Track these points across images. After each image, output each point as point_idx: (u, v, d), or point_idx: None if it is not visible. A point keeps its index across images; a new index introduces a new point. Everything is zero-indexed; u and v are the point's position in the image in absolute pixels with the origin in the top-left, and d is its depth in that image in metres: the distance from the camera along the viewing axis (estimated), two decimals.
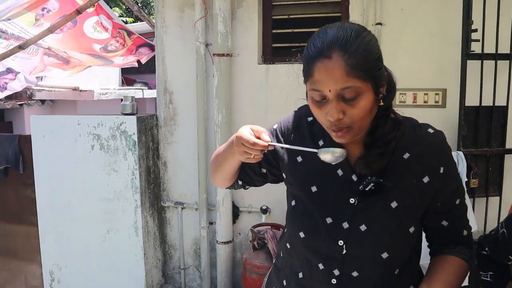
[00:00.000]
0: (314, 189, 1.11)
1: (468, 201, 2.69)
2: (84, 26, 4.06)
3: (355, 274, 1.09)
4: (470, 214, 2.68)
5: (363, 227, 1.05)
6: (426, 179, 1.05)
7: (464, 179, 2.64)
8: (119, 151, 3.20)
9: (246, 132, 1.05)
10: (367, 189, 1.04)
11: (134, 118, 3.16)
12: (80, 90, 4.53)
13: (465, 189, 2.66)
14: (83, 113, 4.46)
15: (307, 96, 1.03)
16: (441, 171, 1.05)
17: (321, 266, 1.12)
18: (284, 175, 1.21)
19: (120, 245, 3.32)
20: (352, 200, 1.07)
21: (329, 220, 1.08)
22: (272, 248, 2.82)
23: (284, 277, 1.25)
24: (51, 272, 3.51)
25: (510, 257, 1.10)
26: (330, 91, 0.93)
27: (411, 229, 1.07)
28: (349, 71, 0.91)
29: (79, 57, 4.11)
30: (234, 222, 3.33)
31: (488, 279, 1.23)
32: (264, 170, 1.26)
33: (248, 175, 1.29)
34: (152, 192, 3.41)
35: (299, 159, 1.16)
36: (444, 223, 1.11)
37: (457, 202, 1.11)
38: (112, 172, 3.24)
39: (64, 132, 3.28)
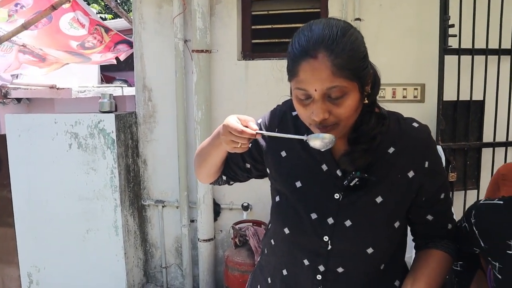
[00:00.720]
0: (298, 184, 1.10)
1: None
2: (59, 22, 3.97)
3: (340, 270, 1.08)
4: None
5: (348, 223, 1.04)
6: (411, 174, 1.05)
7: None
8: (98, 150, 3.15)
9: (233, 120, 1.02)
10: (351, 184, 1.03)
11: (112, 116, 3.11)
12: (57, 88, 4.42)
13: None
14: (61, 111, 4.37)
15: (291, 93, 1.02)
16: (426, 165, 1.05)
17: (306, 262, 1.11)
18: (268, 170, 1.20)
19: (100, 245, 3.27)
20: (336, 196, 1.06)
21: (313, 215, 1.07)
22: (254, 245, 2.81)
23: (269, 274, 1.24)
24: (29, 274, 3.44)
25: (475, 248, 1.12)
26: (315, 90, 0.92)
27: (396, 224, 1.07)
28: (335, 71, 0.90)
29: (55, 54, 4.02)
30: (215, 219, 3.30)
31: (459, 268, 1.25)
32: (248, 165, 1.23)
33: (232, 170, 1.27)
34: (132, 190, 3.37)
35: (283, 154, 1.14)
36: (429, 217, 1.11)
37: (442, 196, 1.10)
38: (91, 171, 3.18)
39: (41, 131, 3.21)
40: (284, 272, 1.17)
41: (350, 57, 0.91)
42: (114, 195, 3.18)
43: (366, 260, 1.06)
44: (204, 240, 3.24)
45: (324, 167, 1.09)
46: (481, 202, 1.10)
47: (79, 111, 3.31)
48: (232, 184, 1.33)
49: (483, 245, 1.07)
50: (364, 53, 0.96)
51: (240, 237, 2.98)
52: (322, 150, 0.99)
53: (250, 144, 1.10)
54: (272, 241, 1.22)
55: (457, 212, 2.78)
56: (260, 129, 1.18)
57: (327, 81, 0.90)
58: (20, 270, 3.46)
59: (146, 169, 3.46)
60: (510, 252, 0.98)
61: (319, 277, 1.10)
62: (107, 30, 4.31)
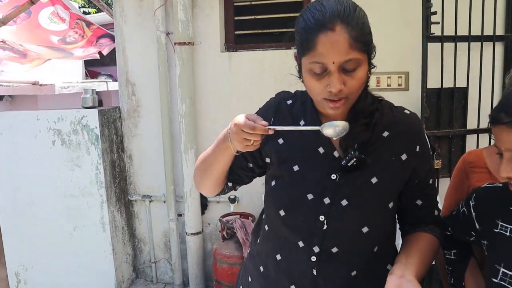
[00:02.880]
0: (296, 168, 1.12)
1: None
2: (39, 17, 3.89)
3: (334, 250, 1.10)
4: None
5: (344, 202, 1.07)
6: (404, 157, 1.10)
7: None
8: (82, 146, 3.11)
9: (243, 119, 1.02)
10: (349, 164, 1.06)
11: (95, 111, 3.07)
12: (40, 85, 4.35)
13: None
14: (44, 108, 4.31)
15: (300, 70, 1.05)
16: (417, 149, 1.11)
17: (301, 244, 1.12)
18: (268, 159, 1.20)
19: (87, 242, 3.25)
20: (333, 176, 1.09)
21: (310, 196, 1.09)
22: (241, 237, 2.81)
23: (261, 262, 1.25)
24: (17, 273, 3.40)
25: (472, 232, 1.15)
26: (333, 63, 0.95)
27: (390, 205, 1.11)
28: (352, 43, 0.93)
29: (36, 50, 3.95)
30: (203, 212, 3.29)
31: (452, 256, 1.27)
32: (251, 165, 1.23)
33: (237, 174, 1.25)
34: (118, 186, 3.34)
35: (281, 141, 1.16)
36: (419, 202, 1.15)
37: (430, 181, 1.16)
38: (76, 168, 3.15)
39: (23, 129, 3.16)
40: (278, 257, 1.19)
41: (362, 29, 0.96)
42: (100, 191, 3.15)
43: (360, 240, 1.09)
44: (192, 234, 3.22)
45: (321, 149, 1.11)
46: (482, 186, 1.14)
47: (64, 107, 3.27)
48: (237, 189, 1.31)
49: (478, 227, 1.10)
50: (370, 27, 1.01)
51: (228, 230, 2.97)
52: (335, 138, 1.03)
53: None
54: (265, 227, 1.24)
55: (443, 199, 2.81)
56: None
57: (345, 53, 0.94)
58: (7, 270, 3.42)
59: (132, 164, 3.43)
60: (496, 230, 1.02)
61: (313, 258, 1.11)
62: (89, 24, 4.24)
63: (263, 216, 1.29)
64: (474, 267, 1.23)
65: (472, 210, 1.11)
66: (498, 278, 0.98)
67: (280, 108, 1.19)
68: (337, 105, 1.00)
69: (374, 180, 1.08)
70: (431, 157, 1.19)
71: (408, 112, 1.14)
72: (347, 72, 0.96)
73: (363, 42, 0.96)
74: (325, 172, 1.09)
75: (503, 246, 1.00)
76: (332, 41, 0.93)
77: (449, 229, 1.28)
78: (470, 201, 1.12)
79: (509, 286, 0.96)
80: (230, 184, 1.27)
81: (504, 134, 0.90)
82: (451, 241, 1.29)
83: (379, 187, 1.08)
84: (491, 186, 1.11)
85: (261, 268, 1.25)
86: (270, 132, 1.01)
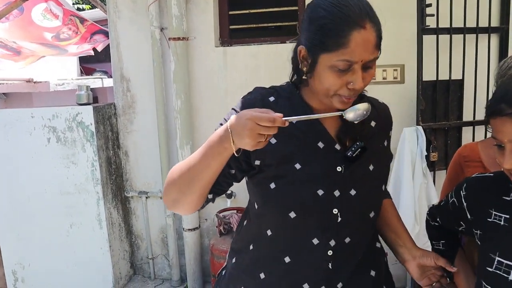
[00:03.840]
0: (298, 166, 1.08)
1: (428, 174, 2.74)
2: (32, 13, 3.87)
3: (347, 240, 1.12)
4: (431, 187, 2.76)
5: (352, 192, 1.10)
6: (385, 143, 1.21)
7: (424, 153, 2.68)
8: (77, 143, 3.09)
9: (255, 113, 0.92)
10: (354, 155, 1.08)
11: (90, 108, 3.06)
12: (35, 82, 4.33)
13: (426, 162, 2.71)
14: (39, 105, 4.28)
15: (312, 67, 1.02)
16: (390, 134, 1.24)
17: (315, 241, 1.10)
18: (257, 162, 1.11)
19: (84, 239, 3.24)
20: (339, 168, 1.09)
21: (320, 192, 1.07)
22: None
23: (261, 269, 1.18)
24: (14, 271, 3.39)
25: (462, 222, 1.15)
26: (362, 61, 0.95)
27: (383, 187, 1.19)
28: (377, 42, 0.96)
29: (30, 47, 3.92)
30: (205, 205, 3.28)
31: (441, 247, 1.28)
32: (233, 171, 1.12)
33: (219, 183, 1.12)
34: (115, 183, 3.33)
35: (273, 140, 1.09)
36: None
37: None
38: (71, 165, 3.14)
39: (18, 126, 3.14)
40: (287, 259, 1.14)
41: (381, 28, 0.98)
42: (96, 188, 3.14)
43: (367, 226, 1.16)
44: (189, 230, 3.22)
45: (321, 144, 1.10)
46: (472, 176, 1.14)
47: (59, 104, 3.25)
48: (214, 202, 1.18)
49: (469, 217, 1.10)
50: None
51: (225, 225, 2.97)
52: (356, 122, 1.02)
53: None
54: (268, 232, 1.16)
55: (440, 191, 2.81)
56: None
57: (372, 52, 0.96)
58: (4, 268, 3.41)
59: (128, 161, 3.42)
60: (490, 220, 1.02)
61: (330, 252, 1.11)
62: (82, 20, 4.22)
63: (255, 222, 1.20)
64: (462, 257, 1.24)
65: (463, 200, 1.11)
66: (493, 267, 0.98)
67: (266, 105, 1.11)
68: (350, 100, 1.02)
69: (371, 167, 1.13)
70: None
71: (382, 102, 1.25)
72: (366, 69, 0.98)
73: (381, 41, 0.98)
74: (330, 166, 1.09)
75: (497, 235, 1.00)
76: (364, 39, 0.93)
77: (437, 219, 1.29)
78: (461, 191, 1.12)
79: (504, 274, 0.96)
80: (210, 196, 1.14)
81: (508, 125, 0.88)
82: (439, 232, 1.30)
83: (376, 173, 1.14)
84: (481, 176, 1.11)
85: (262, 275, 1.18)
86: (286, 125, 0.92)
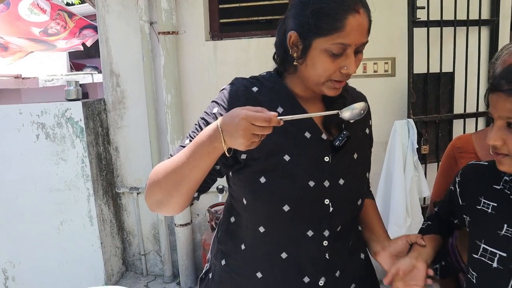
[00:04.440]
0: (287, 158, 1.06)
1: (420, 167, 2.74)
2: (18, 8, 3.80)
3: (339, 228, 1.13)
4: (422, 180, 2.76)
5: (341, 181, 1.11)
6: (367, 131, 1.23)
7: (415, 146, 2.68)
8: (66, 139, 3.06)
9: (250, 112, 0.88)
10: (341, 144, 1.09)
11: (79, 103, 3.02)
12: (23, 78, 4.29)
13: (417, 155, 2.71)
14: (28, 101, 4.24)
15: (304, 52, 1.02)
16: (370, 123, 1.26)
17: (310, 233, 1.10)
18: (244, 156, 1.08)
19: (75, 236, 3.21)
20: (326, 158, 1.10)
21: (312, 183, 1.07)
22: None
23: (257, 269, 1.15)
24: (4, 270, 3.35)
25: (454, 210, 1.17)
26: (355, 45, 0.98)
27: (367, 175, 1.22)
28: (369, 26, 1.00)
29: (17, 43, 3.87)
30: (191, 203, 3.26)
31: (424, 226, 1.29)
32: (218, 167, 1.09)
33: (204, 181, 1.08)
34: (105, 179, 3.30)
35: None
36: None
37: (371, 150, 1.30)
38: (61, 161, 3.10)
39: (6, 123, 3.09)
40: (284, 255, 1.12)
41: (370, 14, 1.01)
42: (87, 185, 3.11)
43: (355, 213, 1.19)
44: (180, 225, 3.21)
45: (307, 134, 1.09)
46: (468, 163, 1.15)
47: (48, 100, 3.21)
48: (198, 200, 1.16)
49: (461, 203, 1.12)
50: None
51: (217, 220, 2.95)
52: (352, 120, 1.04)
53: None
54: (260, 229, 1.12)
55: (431, 184, 2.80)
56: (221, 114, 1.07)
57: (365, 36, 0.99)
58: None
59: (119, 157, 3.39)
60: (478, 207, 1.04)
61: (325, 243, 1.12)
62: (71, 15, 4.16)
63: (246, 220, 1.16)
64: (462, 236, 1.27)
65: (457, 186, 1.13)
66: (479, 254, 1.00)
67: (249, 96, 1.09)
68: (341, 85, 1.05)
69: (355, 155, 1.15)
70: None
71: (359, 91, 1.26)
72: (356, 53, 1.01)
73: (371, 26, 1.02)
74: (318, 156, 1.09)
75: (484, 222, 1.02)
76: (359, 23, 0.96)
77: (436, 210, 1.29)
78: (457, 178, 1.14)
79: (489, 261, 0.97)
80: (195, 195, 1.11)
81: (501, 101, 0.90)
82: (433, 220, 1.29)
83: (360, 161, 1.16)
84: (476, 163, 1.13)
85: (259, 275, 1.15)
86: (281, 124, 0.90)
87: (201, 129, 1.07)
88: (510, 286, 0.92)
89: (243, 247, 1.17)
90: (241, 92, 1.09)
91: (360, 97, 1.23)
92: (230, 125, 0.89)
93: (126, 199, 3.47)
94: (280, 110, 1.09)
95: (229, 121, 0.90)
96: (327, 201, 1.09)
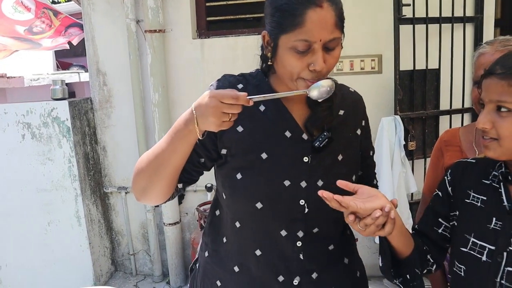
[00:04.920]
0: (264, 156, 1.07)
1: (407, 163, 2.77)
2: (2, 6, 3.74)
3: (315, 230, 1.12)
4: (409, 176, 2.78)
5: (320, 183, 1.08)
6: (359, 131, 1.17)
7: (402, 142, 2.70)
8: (53, 139, 3.03)
9: (218, 90, 0.92)
10: (321, 145, 1.06)
11: (65, 102, 2.99)
12: (8, 77, 4.22)
13: (404, 152, 2.73)
14: (13, 101, 4.18)
15: (274, 51, 1.01)
16: (363, 124, 1.19)
17: (283, 232, 1.10)
18: (224, 151, 1.10)
19: (63, 237, 3.18)
20: (306, 159, 1.08)
21: (287, 182, 1.06)
22: None
23: (234, 262, 1.17)
24: None
25: (443, 211, 1.13)
26: (320, 40, 0.94)
27: (353, 178, 1.15)
28: (337, 21, 0.94)
29: (1, 41, 3.82)
30: (180, 202, 3.26)
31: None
32: (202, 160, 1.11)
33: (188, 172, 1.11)
34: (93, 178, 3.27)
35: (240, 129, 1.08)
36: (360, 172, 1.21)
37: (371, 153, 1.24)
38: (47, 161, 3.07)
39: None
40: (258, 252, 1.13)
41: (341, 8, 0.97)
42: (74, 185, 3.08)
43: (336, 216, 1.07)
44: (169, 224, 3.20)
45: (288, 133, 1.08)
46: (456, 161, 1.15)
47: (34, 100, 3.16)
48: (184, 194, 1.19)
49: (452, 200, 1.11)
50: None
51: (205, 218, 2.94)
52: (320, 100, 1.00)
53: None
54: (237, 224, 1.14)
55: (418, 180, 2.84)
56: None
57: (331, 31, 0.94)
58: None
59: (106, 156, 3.36)
60: (468, 200, 1.04)
61: (299, 243, 1.11)
62: (56, 13, 4.11)
63: (222, 214, 1.19)
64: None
65: (447, 185, 1.11)
66: (468, 248, 1.00)
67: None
68: (311, 83, 0.99)
69: (340, 157, 1.11)
70: (370, 130, 1.25)
71: (352, 90, 1.21)
72: (328, 50, 0.96)
73: (343, 21, 0.97)
74: (297, 156, 1.07)
75: (473, 216, 1.02)
76: (321, 18, 0.92)
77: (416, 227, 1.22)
78: (446, 177, 1.12)
79: (478, 255, 0.97)
80: (180, 186, 1.12)
81: (493, 84, 0.91)
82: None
83: (345, 163, 1.12)
84: (464, 161, 1.13)
85: (236, 269, 1.16)
86: (251, 103, 0.92)
87: None
88: (499, 279, 0.93)
89: (224, 240, 1.19)
90: (226, 88, 1.08)
91: (353, 97, 1.20)
92: (201, 105, 0.93)
93: (114, 199, 3.44)
94: (262, 108, 1.10)
95: (200, 101, 0.93)
96: (302, 202, 1.08)
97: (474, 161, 1.10)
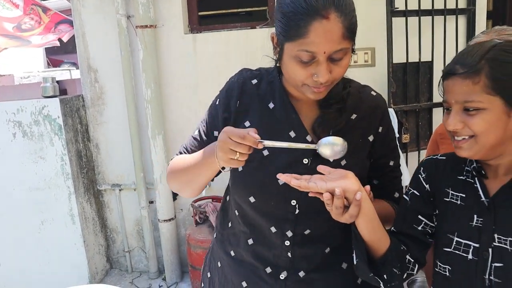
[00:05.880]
0: (265, 152, 1.09)
1: (401, 156, 2.76)
2: None
3: (307, 232, 1.11)
4: (403, 169, 2.79)
5: None
6: (371, 138, 1.11)
7: (396, 135, 2.70)
8: (45, 137, 3.00)
9: (232, 128, 0.95)
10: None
11: (57, 100, 2.96)
12: None
13: (398, 145, 2.73)
14: (3, 100, 4.14)
15: (280, 55, 1.00)
16: (380, 130, 1.12)
17: (273, 229, 1.12)
18: None
19: (57, 235, 3.16)
20: (305, 161, 1.07)
21: (281, 181, 1.03)
22: (214, 221, 2.79)
23: (231, 247, 1.23)
24: None
25: (423, 209, 1.09)
26: (324, 52, 0.91)
27: None
28: (344, 33, 0.90)
29: None
30: (174, 198, 3.25)
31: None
32: None
33: None
34: (86, 176, 3.25)
35: (247, 124, 1.12)
36: (375, 181, 1.16)
37: (391, 163, 1.16)
38: (39, 160, 3.04)
39: None
40: (250, 241, 1.17)
41: (353, 17, 0.93)
42: (67, 183, 3.06)
43: (331, 220, 1.04)
44: (164, 221, 3.18)
45: (292, 133, 1.09)
46: (425, 158, 1.12)
47: (25, 98, 3.13)
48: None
49: (431, 198, 1.09)
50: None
51: (200, 214, 2.94)
52: (332, 159, 1.00)
53: (217, 132, 1.11)
54: (236, 211, 1.20)
55: (412, 173, 2.84)
56: (219, 108, 1.15)
57: (337, 43, 0.91)
58: None
59: (99, 153, 3.34)
60: (447, 199, 1.02)
61: (287, 242, 1.12)
62: (45, 9, 4.05)
63: (229, 199, 1.26)
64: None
65: (424, 183, 1.07)
66: (452, 247, 0.98)
67: (245, 89, 1.14)
68: (320, 90, 0.98)
69: (343, 162, 1.08)
70: (394, 140, 1.18)
71: (374, 94, 1.15)
72: (334, 60, 0.94)
73: (353, 31, 0.93)
74: (297, 157, 1.07)
75: (455, 214, 1.00)
76: (326, 30, 0.89)
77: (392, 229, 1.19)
78: (419, 175, 1.09)
79: (463, 254, 0.96)
80: None
81: (457, 85, 0.90)
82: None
83: (348, 169, 1.05)
84: (434, 158, 1.10)
85: (232, 253, 1.23)
86: (260, 146, 0.92)
87: (207, 120, 1.18)
88: (487, 275, 0.92)
89: (229, 224, 1.25)
90: (237, 85, 1.14)
91: (373, 101, 1.13)
92: (218, 138, 0.97)
93: (108, 196, 3.42)
94: (271, 105, 1.12)
95: (220, 136, 0.96)
96: (293, 202, 1.09)
97: (444, 157, 1.08)
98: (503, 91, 0.86)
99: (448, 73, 0.92)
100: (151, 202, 3.29)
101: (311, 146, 0.98)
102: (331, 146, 0.96)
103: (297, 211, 1.08)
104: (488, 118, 0.88)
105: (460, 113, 0.91)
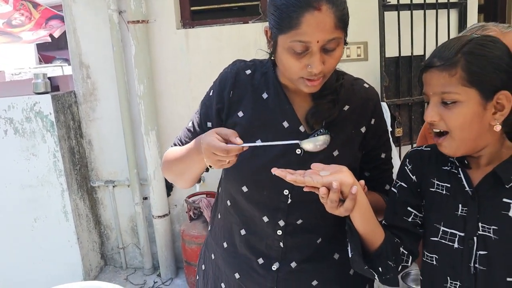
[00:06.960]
0: (259, 142, 1.08)
1: (394, 150, 2.78)
2: None
3: (299, 222, 1.12)
4: (397, 162, 2.80)
5: None
6: (363, 129, 1.13)
7: (389, 129, 2.71)
8: (36, 134, 2.98)
9: (213, 140, 0.96)
10: None
11: (48, 96, 2.94)
12: None
13: (391, 138, 2.74)
14: None
15: (274, 48, 1.02)
16: (372, 122, 1.14)
17: (265, 218, 1.13)
18: None
19: (50, 233, 3.15)
20: (298, 151, 1.08)
21: None
22: (208, 216, 2.79)
23: (224, 239, 1.24)
24: None
25: (412, 200, 1.10)
26: (318, 42, 0.93)
27: None
28: (337, 23, 0.93)
29: None
30: (169, 194, 3.24)
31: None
32: None
33: None
34: (79, 173, 3.23)
35: (240, 114, 1.13)
36: (366, 173, 1.17)
37: (382, 156, 1.18)
38: (32, 157, 3.02)
39: None
40: (243, 231, 1.19)
41: (344, 8, 0.95)
42: (60, 180, 3.04)
43: (324, 211, 1.04)
44: (158, 217, 3.18)
45: (286, 124, 1.10)
46: (410, 150, 1.13)
47: (16, 95, 3.10)
48: (173, 185, 1.29)
49: (418, 189, 1.10)
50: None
51: (195, 210, 2.94)
52: (314, 151, 1.02)
53: (210, 123, 1.15)
54: (228, 202, 1.21)
55: None
56: (213, 99, 1.16)
57: (330, 33, 0.93)
58: None
59: (92, 150, 3.32)
60: (432, 189, 1.04)
61: (279, 232, 1.13)
62: (35, 5, 4.01)
63: (220, 191, 1.28)
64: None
65: (410, 174, 1.08)
66: (439, 237, 1.00)
67: (239, 79, 1.15)
68: (315, 83, 0.99)
69: (335, 153, 1.09)
70: (387, 132, 1.20)
71: (367, 86, 1.17)
72: (327, 51, 0.95)
73: (345, 21, 0.95)
74: (290, 147, 1.08)
75: (441, 204, 1.02)
76: (318, 21, 0.91)
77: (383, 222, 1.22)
78: (405, 166, 1.09)
79: (449, 243, 0.98)
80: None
81: (435, 77, 0.92)
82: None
83: (339, 160, 1.09)
84: (419, 149, 1.11)
85: (225, 245, 1.24)
86: (245, 149, 0.96)
87: (200, 112, 1.19)
88: (472, 263, 0.94)
89: (218, 216, 1.28)
90: (231, 75, 1.16)
91: (365, 93, 1.15)
92: (203, 142, 0.99)
93: (102, 193, 3.41)
94: (265, 95, 1.13)
95: (203, 138, 1.00)
96: (286, 192, 1.10)
97: (429, 148, 1.09)
98: (478, 83, 0.89)
99: (426, 66, 0.95)
100: (145, 198, 3.28)
101: (294, 142, 1.00)
102: (314, 141, 1.00)
103: (289, 200, 1.10)
104: (465, 111, 0.90)
105: (438, 105, 0.93)
